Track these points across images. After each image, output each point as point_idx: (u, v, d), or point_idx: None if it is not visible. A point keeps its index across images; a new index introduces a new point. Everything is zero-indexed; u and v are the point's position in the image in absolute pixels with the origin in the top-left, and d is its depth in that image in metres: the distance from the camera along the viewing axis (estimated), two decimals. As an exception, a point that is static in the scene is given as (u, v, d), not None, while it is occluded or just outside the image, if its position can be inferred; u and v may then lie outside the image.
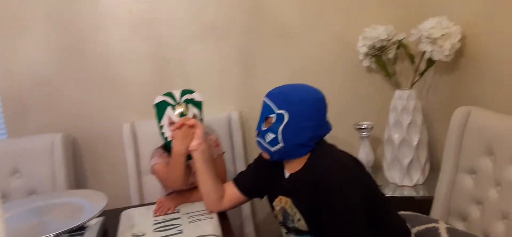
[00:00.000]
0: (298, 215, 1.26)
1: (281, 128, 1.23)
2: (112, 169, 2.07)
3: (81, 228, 1.40)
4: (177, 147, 1.43)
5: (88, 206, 1.33)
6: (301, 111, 1.22)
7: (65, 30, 1.93)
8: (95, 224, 1.43)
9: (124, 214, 1.54)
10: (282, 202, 1.31)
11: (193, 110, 1.56)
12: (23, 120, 1.98)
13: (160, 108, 1.57)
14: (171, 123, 1.54)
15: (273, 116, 1.24)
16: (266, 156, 1.31)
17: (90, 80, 2.00)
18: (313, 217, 1.23)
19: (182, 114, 1.53)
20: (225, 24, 2.03)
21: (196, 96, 1.60)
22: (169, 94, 1.58)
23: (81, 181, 2.07)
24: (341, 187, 1.16)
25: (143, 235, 1.36)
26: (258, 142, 1.31)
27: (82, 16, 1.93)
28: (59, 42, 1.94)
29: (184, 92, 1.59)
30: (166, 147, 1.61)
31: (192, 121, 1.43)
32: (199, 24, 2.01)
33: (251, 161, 1.53)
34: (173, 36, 2.01)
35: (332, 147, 1.31)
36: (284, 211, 1.31)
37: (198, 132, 1.42)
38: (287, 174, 1.32)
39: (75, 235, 1.38)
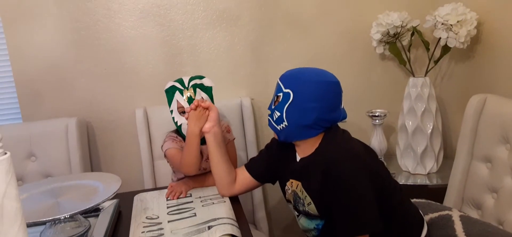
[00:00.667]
0: (308, 199, 1.26)
1: (286, 106, 1.24)
2: (125, 154, 2.09)
3: (97, 209, 1.43)
4: (191, 128, 1.44)
5: (103, 188, 1.34)
6: (305, 91, 1.22)
7: (78, 16, 1.95)
8: (109, 206, 1.46)
9: (137, 197, 1.55)
10: (293, 185, 1.31)
11: (201, 94, 1.57)
12: (38, 105, 2.01)
13: (170, 93, 1.58)
14: (180, 108, 1.55)
15: (281, 95, 1.26)
16: (275, 136, 1.34)
17: (102, 65, 2.01)
18: (323, 203, 1.23)
19: (190, 99, 1.54)
20: (237, 11, 2.02)
21: (205, 81, 1.60)
22: (179, 80, 1.59)
23: (95, 165, 2.09)
24: (351, 176, 1.15)
25: (157, 217, 1.38)
26: (268, 120, 1.33)
27: (94, 1, 1.94)
28: (72, 28, 1.95)
29: (193, 78, 1.60)
30: (178, 131, 1.62)
31: (207, 103, 1.44)
32: (211, 11, 2.01)
33: (262, 147, 1.53)
34: (185, 23, 2.01)
35: (344, 134, 1.30)
36: (295, 194, 1.31)
37: (213, 114, 1.43)
38: (298, 158, 1.33)
39: (90, 216, 1.41)
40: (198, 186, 1.60)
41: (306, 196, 1.26)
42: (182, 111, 1.56)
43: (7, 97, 2.05)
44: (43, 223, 1.23)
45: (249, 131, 2.02)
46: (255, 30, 2.05)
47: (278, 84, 1.29)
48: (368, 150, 1.29)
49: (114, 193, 1.27)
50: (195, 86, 1.56)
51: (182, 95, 1.55)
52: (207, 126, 1.43)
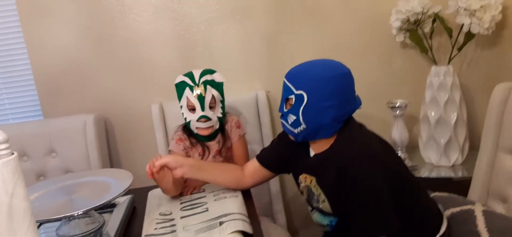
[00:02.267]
0: (322, 196, 1.22)
1: (301, 109, 1.17)
2: (143, 149, 2.11)
3: (112, 205, 1.45)
4: (165, 187, 1.41)
5: (115, 184, 1.35)
6: (320, 90, 1.15)
7: (93, 12, 1.96)
8: (123, 202, 1.47)
9: (151, 193, 1.56)
10: (307, 180, 1.28)
11: (212, 91, 1.55)
12: (57, 101, 2.05)
13: (180, 88, 1.57)
14: (190, 105, 1.55)
15: (293, 97, 1.19)
16: (291, 137, 1.28)
17: (118, 61, 2.03)
18: (337, 201, 1.19)
19: (200, 97, 1.52)
20: (250, 2, 1.99)
21: (216, 77, 1.58)
22: (189, 75, 1.57)
23: (115, 160, 2.12)
24: (368, 177, 1.10)
25: (170, 213, 1.38)
26: (282, 124, 1.28)
27: (108, -1, 1.96)
28: (88, 24, 1.98)
29: (204, 73, 1.57)
30: (187, 127, 1.62)
31: (158, 163, 1.35)
32: (224, 4, 1.98)
33: (278, 139, 1.50)
34: (199, 17, 1.99)
35: (360, 129, 1.24)
36: (309, 190, 1.28)
37: (169, 160, 1.36)
38: (312, 153, 1.28)
39: (105, 212, 1.42)
40: None
41: (320, 193, 1.23)
42: (192, 108, 1.55)
43: (28, 95, 2.10)
44: (58, 220, 1.25)
45: (264, 124, 1.99)
46: (270, 21, 2.01)
47: (286, 85, 1.22)
48: (385, 146, 1.24)
49: (126, 189, 1.28)
50: (205, 83, 1.54)
51: (192, 92, 1.53)
52: (176, 173, 1.36)
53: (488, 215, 1.32)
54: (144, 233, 1.26)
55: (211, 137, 1.59)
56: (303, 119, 1.18)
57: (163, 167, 1.35)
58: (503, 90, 1.52)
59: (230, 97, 1.88)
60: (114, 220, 1.35)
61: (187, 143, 1.62)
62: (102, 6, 1.96)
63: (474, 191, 1.62)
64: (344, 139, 1.20)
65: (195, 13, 1.99)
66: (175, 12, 1.98)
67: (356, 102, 1.23)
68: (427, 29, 1.91)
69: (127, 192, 1.31)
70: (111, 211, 1.42)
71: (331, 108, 1.16)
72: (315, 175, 1.25)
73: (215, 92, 1.55)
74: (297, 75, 1.19)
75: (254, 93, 2.00)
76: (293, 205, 2.22)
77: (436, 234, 1.26)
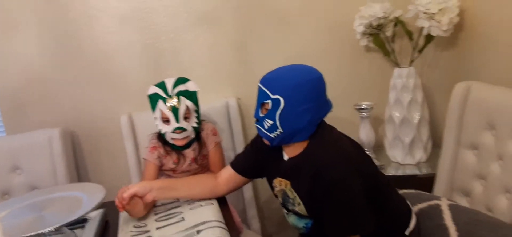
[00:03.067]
0: (298, 199, 1.24)
1: (278, 113, 1.19)
2: (112, 161, 2.07)
3: (84, 220, 1.41)
4: (136, 215, 1.37)
5: (86, 199, 1.32)
6: (297, 94, 1.18)
7: (57, 25, 1.92)
8: (95, 216, 1.44)
9: (124, 205, 1.53)
10: (282, 184, 1.30)
11: (185, 102, 1.54)
12: (21, 116, 1.98)
13: (153, 100, 1.56)
14: (164, 117, 1.53)
15: (269, 102, 1.20)
16: (266, 142, 1.28)
17: (85, 73, 1.99)
18: (313, 204, 1.22)
19: (174, 109, 1.51)
20: (218, 12, 2.00)
21: (190, 86, 1.57)
22: (162, 85, 1.55)
23: (82, 174, 2.07)
24: (343, 179, 1.13)
25: (144, 225, 1.35)
26: (258, 129, 1.28)
27: (72, 10, 1.92)
28: (53, 37, 1.93)
29: (177, 83, 1.56)
30: (162, 137, 1.61)
31: (126, 194, 1.30)
32: (192, 12, 1.99)
33: (250, 145, 1.51)
34: (167, 26, 1.98)
35: (332, 132, 1.27)
36: (284, 193, 1.30)
37: (138, 188, 1.33)
38: (286, 157, 1.30)
39: (77, 227, 1.38)
40: None
41: (295, 196, 1.25)
42: (166, 120, 1.54)
43: (-11, 111, 2.02)
44: (28, 238, 1.20)
45: (236, 131, 2.00)
46: (238, 29, 2.03)
47: (261, 90, 1.23)
48: (356, 147, 1.27)
49: (98, 203, 1.26)
50: (179, 94, 1.53)
51: (165, 104, 1.52)
52: (148, 198, 1.34)
53: (454, 209, 1.38)
54: (119, 245, 1.24)
55: (187, 145, 1.58)
56: (280, 123, 1.20)
57: (132, 197, 1.32)
58: (463, 89, 1.60)
59: (201, 106, 1.88)
60: (86, 236, 1.31)
61: (162, 150, 1.61)
62: (67, 18, 1.92)
63: (439, 187, 1.70)
64: (317, 142, 1.22)
65: (163, 22, 1.98)
66: (142, 21, 1.96)
67: (328, 106, 1.26)
68: (389, 33, 1.98)
69: (98, 206, 1.29)
70: (83, 227, 1.38)
71: (307, 112, 1.18)
72: (290, 178, 1.27)
73: (189, 102, 1.54)
74: (273, 81, 1.21)
75: (224, 101, 2.00)
76: (266, 210, 2.24)
77: (406, 230, 1.31)
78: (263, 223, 2.16)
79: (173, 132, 1.53)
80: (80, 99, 2.00)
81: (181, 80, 1.57)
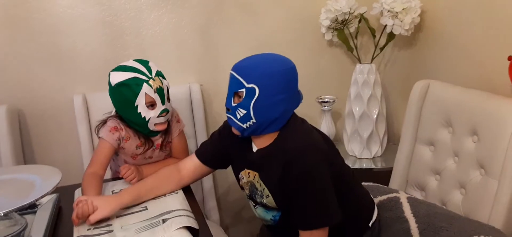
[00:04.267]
0: (266, 191, 1.23)
1: (252, 103, 1.15)
2: (63, 144, 1.94)
3: (33, 206, 1.30)
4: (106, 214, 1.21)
5: (40, 182, 1.22)
6: (272, 84, 1.15)
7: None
8: (47, 202, 1.33)
9: (77, 191, 1.44)
10: (250, 176, 1.27)
11: (164, 81, 1.44)
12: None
13: (131, 87, 1.38)
14: (150, 101, 1.40)
15: (243, 91, 1.16)
16: (236, 132, 1.24)
17: (36, 49, 1.83)
18: (282, 195, 1.20)
19: (159, 89, 1.40)
20: (183, -8, 1.93)
21: (156, 66, 1.48)
22: (133, 69, 1.40)
23: (29, 157, 1.92)
24: (313, 169, 1.13)
25: (102, 212, 1.28)
26: (229, 118, 1.24)
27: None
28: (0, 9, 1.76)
29: (146, 62, 1.45)
30: (135, 123, 1.45)
31: (92, 221, 1.17)
32: (156, -9, 1.90)
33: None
34: (127, 2, 1.88)
35: (303, 124, 1.27)
36: (251, 185, 1.28)
37: (107, 215, 1.20)
38: (255, 148, 1.27)
39: (27, 213, 1.28)
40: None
41: (264, 188, 1.23)
42: (151, 104, 1.41)
43: None
44: (-29, 223, 1.09)
45: (198, 118, 1.95)
46: (204, 13, 1.97)
47: (235, 78, 1.18)
48: (326, 139, 1.28)
49: (54, 186, 1.16)
50: (158, 74, 1.43)
51: (151, 86, 1.38)
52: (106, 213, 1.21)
53: (412, 201, 1.43)
54: (75, 234, 1.16)
55: (152, 133, 1.49)
56: (253, 113, 1.16)
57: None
58: (421, 87, 1.66)
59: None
60: (39, 222, 1.21)
61: (123, 133, 1.47)
62: (15, -14, 1.76)
63: (395, 180, 1.76)
64: (288, 133, 1.21)
65: (124, -1, 1.87)
66: (101, -4, 1.85)
67: (299, 97, 1.25)
68: (353, 29, 2.02)
69: (52, 191, 1.19)
70: (34, 212, 1.28)
71: (281, 102, 1.16)
72: (259, 170, 1.24)
73: (166, 81, 1.46)
74: (247, 69, 1.17)
75: (187, 86, 1.94)
76: (223, 202, 2.21)
77: (370, 221, 1.34)
78: (221, 214, 2.13)
79: (160, 115, 1.42)
80: (29, 76, 1.85)
81: (143, 61, 1.45)
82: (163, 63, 1.86)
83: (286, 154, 1.16)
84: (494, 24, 1.53)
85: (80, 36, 1.86)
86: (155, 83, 1.40)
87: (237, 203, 2.21)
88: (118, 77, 1.40)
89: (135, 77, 1.38)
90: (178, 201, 1.28)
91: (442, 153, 1.56)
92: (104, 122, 1.50)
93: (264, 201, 1.25)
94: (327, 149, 1.20)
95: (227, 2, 1.99)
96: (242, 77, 1.16)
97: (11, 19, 1.78)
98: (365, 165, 2.01)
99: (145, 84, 1.38)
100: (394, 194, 1.51)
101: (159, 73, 1.44)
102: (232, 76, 1.19)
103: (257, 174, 1.25)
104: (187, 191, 1.41)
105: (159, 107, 1.42)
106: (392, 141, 2.19)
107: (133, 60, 1.45)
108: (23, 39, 1.81)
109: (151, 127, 1.45)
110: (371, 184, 1.63)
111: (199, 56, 2.01)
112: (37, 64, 1.85)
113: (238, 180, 1.35)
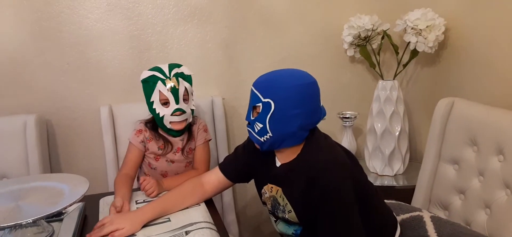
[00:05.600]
0: (289, 207, 1.23)
1: (268, 117, 1.17)
2: (88, 154, 1.98)
3: (59, 214, 1.33)
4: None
5: (68, 190, 1.25)
6: (287, 99, 1.15)
7: (39, 6, 1.82)
8: (74, 210, 1.37)
9: (103, 200, 1.47)
10: (273, 191, 1.28)
11: (184, 84, 1.53)
12: (-7, 100, 1.87)
13: (150, 83, 1.51)
14: (163, 99, 1.50)
15: (260, 105, 1.18)
16: (257, 146, 1.26)
17: (65, 60, 1.89)
18: (305, 211, 1.20)
19: (173, 89, 1.49)
20: (209, 7, 1.97)
21: (184, 70, 1.57)
22: (158, 69, 1.53)
23: (55, 165, 1.97)
24: (338, 186, 1.12)
25: (126, 222, 1.30)
26: (249, 132, 1.26)
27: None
28: (32, 18, 1.82)
29: (173, 66, 1.54)
30: (155, 123, 1.59)
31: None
32: (182, 6, 1.95)
33: (233, 147, 1.49)
34: (154, 17, 1.93)
35: (327, 139, 1.27)
36: (274, 200, 1.28)
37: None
38: (278, 163, 1.28)
39: (53, 220, 1.31)
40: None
41: (287, 203, 1.23)
42: (165, 102, 1.51)
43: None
44: (2, 228, 1.13)
45: (220, 131, 1.97)
46: (228, 28, 2.01)
47: (253, 93, 1.21)
48: (350, 155, 1.27)
49: (82, 195, 1.19)
50: (177, 75, 1.51)
51: (165, 85, 1.49)
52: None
53: (436, 221, 1.41)
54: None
55: (182, 130, 1.57)
56: (269, 127, 1.18)
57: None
58: (446, 105, 1.64)
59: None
60: (65, 230, 1.25)
61: (147, 134, 1.60)
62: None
63: (418, 198, 1.74)
64: (312, 148, 1.21)
65: (151, 13, 1.92)
66: (129, 11, 1.90)
67: (320, 112, 1.25)
68: (375, 45, 2.02)
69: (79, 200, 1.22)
70: (61, 220, 1.32)
71: (297, 117, 1.17)
72: (282, 185, 1.25)
73: (187, 84, 1.54)
74: (265, 84, 1.19)
75: (210, 99, 1.97)
76: (244, 215, 2.21)
77: (392, 239, 1.33)
78: (240, 228, 2.14)
79: (173, 113, 1.50)
80: (58, 86, 1.91)
81: (176, 65, 1.56)
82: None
83: (310, 169, 1.16)
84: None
85: (108, 49, 1.92)
86: (170, 83, 1.49)
87: (257, 217, 2.21)
88: (143, 74, 1.54)
89: (153, 75, 1.51)
90: (200, 213, 1.30)
91: (466, 171, 1.54)
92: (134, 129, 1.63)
93: (286, 216, 1.25)
94: (351, 165, 1.20)
95: (251, 18, 2.02)
96: (259, 92, 1.19)
97: (44, 32, 1.85)
98: (387, 182, 1.99)
99: (159, 82, 1.49)
100: (417, 213, 1.50)
101: (180, 75, 1.53)
102: (252, 91, 1.22)
103: (280, 189, 1.25)
104: (209, 203, 1.43)
105: (173, 106, 1.50)
106: (414, 159, 2.17)
107: (162, 64, 1.56)
108: (54, 51, 1.87)
109: (167, 124, 1.53)
110: (393, 201, 1.62)
111: (222, 70, 2.05)
112: (66, 75, 1.91)
113: (261, 195, 1.36)
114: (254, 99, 1.20)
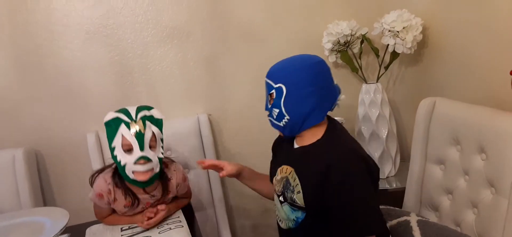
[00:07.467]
0: (299, 187, 1.25)
1: (282, 100, 1.24)
2: (79, 182, 1.99)
3: (45, 246, 1.34)
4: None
5: (50, 224, 1.26)
6: (296, 80, 1.23)
7: (18, 41, 1.84)
8: (59, 243, 1.38)
9: (89, 230, 1.48)
10: (286, 171, 1.32)
11: (151, 128, 1.34)
12: (-20, 136, 1.88)
13: (112, 127, 1.33)
14: (126, 145, 1.31)
15: (273, 92, 1.26)
16: (280, 133, 1.35)
17: (49, 91, 1.91)
18: (313, 195, 1.23)
19: (139, 134, 1.30)
20: (187, 27, 1.98)
21: (155, 113, 1.39)
22: (123, 111, 1.36)
23: (48, 196, 1.98)
24: (355, 176, 1.17)
25: (111, 248, 1.31)
26: (270, 120, 1.33)
27: (33, 23, 1.84)
28: (12, 53, 1.85)
29: (141, 109, 1.37)
30: (118, 172, 1.38)
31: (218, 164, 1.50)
32: (160, 28, 1.96)
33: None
34: (134, 41, 1.94)
35: (346, 131, 1.33)
36: (285, 180, 1.31)
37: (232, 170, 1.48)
38: (296, 145, 1.34)
39: (38, 254, 1.32)
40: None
41: (298, 183, 1.26)
42: (128, 149, 1.32)
43: None
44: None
45: (208, 148, 1.97)
46: (208, 44, 2.02)
47: (267, 83, 1.29)
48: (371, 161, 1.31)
49: (62, 229, 1.21)
50: (144, 118, 1.33)
51: (129, 129, 1.30)
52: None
53: (423, 225, 1.40)
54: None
55: (149, 181, 1.36)
56: (285, 110, 1.24)
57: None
58: (428, 105, 1.63)
59: (172, 122, 1.85)
60: (50, 264, 1.25)
61: (111, 196, 1.41)
62: (28, 33, 1.84)
63: (409, 201, 1.72)
64: (333, 136, 1.27)
65: (130, 38, 1.94)
66: (108, 37, 1.92)
67: (336, 90, 1.32)
68: (356, 49, 2.02)
69: (63, 231, 1.23)
70: (46, 254, 1.32)
71: (311, 95, 1.23)
72: (295, 165, 1.29)
73: (155, 129, 1.35)
74: (274, 71, 1.29)
75: (195, 117, 1.98)
76: (235, 211, 2.21)
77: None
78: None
79: (136, 162, 1.30)
80: (44, 117, 1.92)
81: (145, 107, 1.39)
82: (171, 96, 1.93)
83: (327, 156, 1.20)
84: (496, 38, 1.51)
85: (91, 76, 1.94)
86: (135, 126, 1.31)
87: (248, 220, 2.21)
88: (107, 116, 1.37)
89: (116, 118, 1.34)
90: (182, 234, 1.30)
91: (452, 171, 1.53)
92: (99, 171, 1.47)
93: (294, 197, 1.27)
94: (367, 159, 1.24)
95: (231, 32, 2.03)
96: (271, 80, 1.28)
97: (24, 65, 1.87)
98: (380, 185, 1.97)
99: (123, 125, 1.31)
100: (404, 218, 1.49)
101: (148, 118, 1.36)
102: (265, 82, 1.31)
103: (293, 169, 1.29)
104: (191, 223, 1.43)
105: (136, 153, 1.30)
106: (406, 159, 2.15)
107: (130, 107, 1.40)
108: (36, 83, 1.89)
109: (129, 174, 1.33)
110: (382, 207, 1.60)
111: (206, 87, 2.05)
112: (51, 105, 1.92)
113: (272, 180, 1.43)
114: (267, 88, 1.30)
